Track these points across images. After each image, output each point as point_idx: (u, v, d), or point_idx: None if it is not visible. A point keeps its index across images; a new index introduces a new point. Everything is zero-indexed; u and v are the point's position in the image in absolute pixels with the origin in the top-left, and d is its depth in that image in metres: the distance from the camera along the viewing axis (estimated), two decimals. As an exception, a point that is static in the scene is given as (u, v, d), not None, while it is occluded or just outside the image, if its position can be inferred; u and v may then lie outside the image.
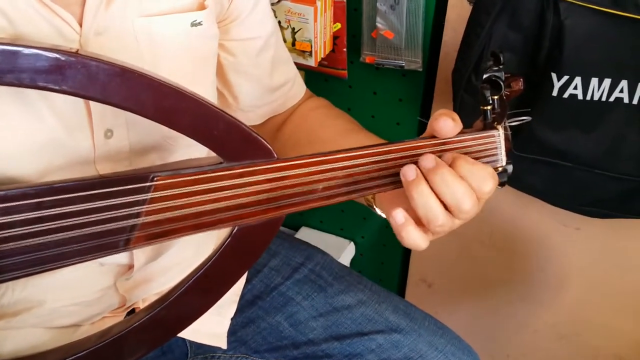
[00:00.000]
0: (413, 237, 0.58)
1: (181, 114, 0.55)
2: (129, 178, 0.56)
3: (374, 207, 0.71)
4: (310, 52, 1.10)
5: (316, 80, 1.24)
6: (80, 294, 0.66)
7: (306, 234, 1.48)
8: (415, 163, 0.58)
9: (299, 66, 1.07)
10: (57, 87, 0.52)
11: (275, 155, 0.58)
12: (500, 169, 0.66)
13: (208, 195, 0.57)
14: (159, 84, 0.54)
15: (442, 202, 0.56)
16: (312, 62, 1.12)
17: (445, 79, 1.11)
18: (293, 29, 1.09)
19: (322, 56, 1.13)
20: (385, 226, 1.39)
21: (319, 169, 0.59)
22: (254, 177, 0.58)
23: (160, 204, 0.57)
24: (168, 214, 0.57)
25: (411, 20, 1.07)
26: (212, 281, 0.62)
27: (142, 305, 0.71)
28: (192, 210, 0.58)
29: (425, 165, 0.56)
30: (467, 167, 0.57)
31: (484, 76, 0.64)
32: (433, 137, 0.61)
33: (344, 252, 1.43)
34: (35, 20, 0.55)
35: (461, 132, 0.62)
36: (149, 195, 0.56)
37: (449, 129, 0.59)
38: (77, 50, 0.56)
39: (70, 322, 0.68)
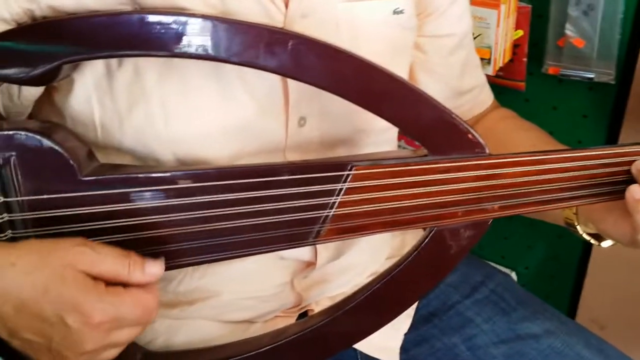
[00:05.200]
0: None
1: (389, 99, 0.50)
2: (325, 165, 0.52)
3: (576, 225, 0.62)
4: (489, 59, 1.03)
5: (489, 92, 1.16)
6: (258, 288, 0.63)
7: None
8: None
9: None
10: (264, 64, 0.50)
11: (488, 150, 0.52)
12: None
13: (408, 190, 0.52)
14: (369, 66, 0.50)
15: None
16: (489, 71, 1.04)
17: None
18: (472, 34, 1.02)
19: (501, 64, 1.05)
20: (553, 257, 1.27)
21: (536, 169, 0.52)
22: (462, 173, 0.52)
23: (355, 195, 0.52)
24: (363, 207, 0.52)
25: (606, 26, 0.97)
26: (402, 288, 0.56)
27: (315, 308, 0.67)
28: (389, 205, 0.52)
29: None
30: None
31: None
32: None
33: (503, 281, 1.32)
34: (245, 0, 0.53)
35: None
36: (345, 185, 0.52)
37: None
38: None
39: (244, 318, 0.65)
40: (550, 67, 1.05)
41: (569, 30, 1.00)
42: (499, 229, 1.32)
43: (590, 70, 1.01)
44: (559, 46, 1.03)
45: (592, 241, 0.66)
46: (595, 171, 0.52)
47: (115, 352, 0.49)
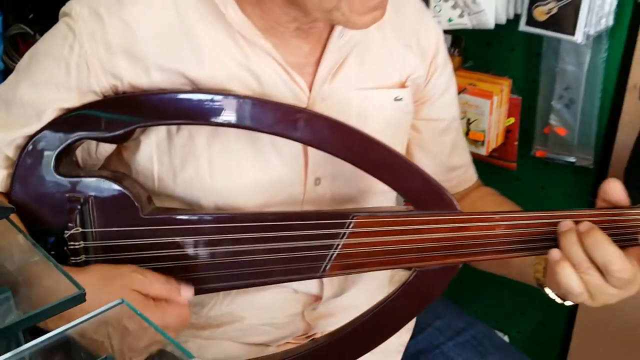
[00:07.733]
0: (565, 273, 0.63)
1: (387, 166, 0.66)
2: (333, 214, 0.67)
3: (544, 286, 0.74)
4: (483, 141, 1.19)
5: (484, 170, 1.28)
6: (274, 315, 0.76)
7: (459, 323, 1.49)
8: None
9: (470, 154, 1.16)
10: (289, 134, 0.66)
11: (459, 208, 0.66)
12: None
13: (396, 236, 0.66)
14: (371, 140, 0.65)
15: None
16: (483, 151, 1.19)
17: (616, 177, 1.13)
18: (469, 119, 1.18)
19: (494, 147, 1.20)
20: (543, 323, 1.38)
21: (497, 224, 0.66)
22: (438, 225, 0.66)
23: (356, 239, 0.66)
24: (361, 249, 0.67)
25: (585, 119, 1.12)
26: (388, 318, 0.69)
27: (320, 337, 0.80)
28: (381, 248, 0.67)
29: (580, 228, 0.64)
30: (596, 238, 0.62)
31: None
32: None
33: (497, 346, 1.42)
34: (278, 84, 0.69)
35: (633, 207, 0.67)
36: (348, 231, 0.66)
37: (618, 191, 0.64)
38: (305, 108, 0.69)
39: (261, 341, 0.78)
40: (538, 151, 1.20)
41: (553, 120, 1.15)
42: (494, 294, 1.43)
43: (571, 155, 1.16)
44: (545, 133, 1.18)
45: (558, 300, 0.74)
46: (543, 229, 0.66)
47: (158, 346, 0.63)
